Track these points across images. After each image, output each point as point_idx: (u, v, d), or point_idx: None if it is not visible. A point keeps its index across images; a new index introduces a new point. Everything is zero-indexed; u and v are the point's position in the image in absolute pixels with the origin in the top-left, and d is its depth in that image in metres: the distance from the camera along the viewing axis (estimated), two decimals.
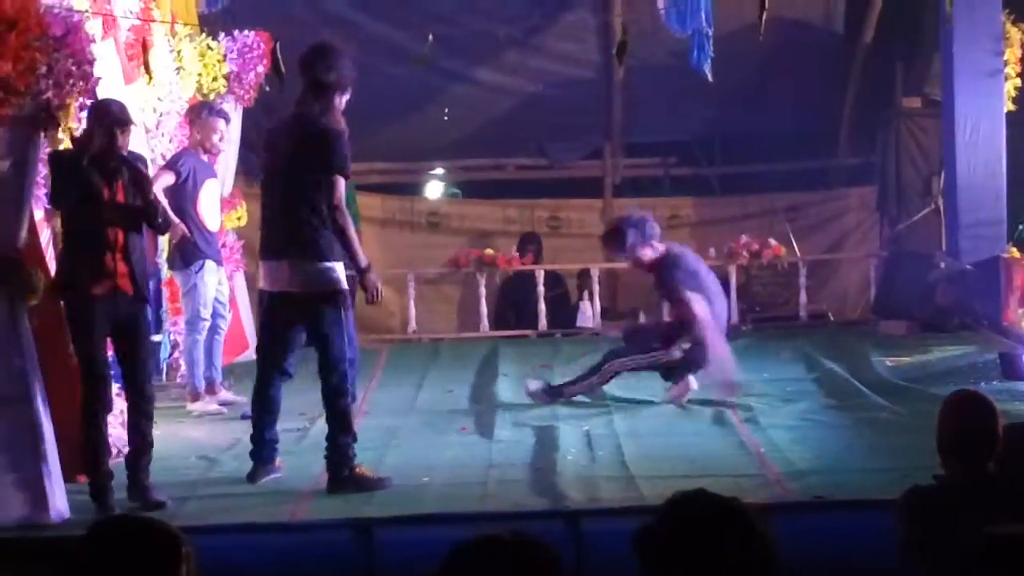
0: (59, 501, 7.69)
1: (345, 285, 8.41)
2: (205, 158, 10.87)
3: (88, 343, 7.87)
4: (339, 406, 8.35)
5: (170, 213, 10.54)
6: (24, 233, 7.72)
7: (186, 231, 10.57)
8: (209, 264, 10.76)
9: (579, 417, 10.10)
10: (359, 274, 8.43)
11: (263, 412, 8.56)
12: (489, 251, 15.38)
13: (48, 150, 8.04)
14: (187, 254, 10.69)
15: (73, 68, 7.56)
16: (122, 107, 8.06)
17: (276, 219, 8.45)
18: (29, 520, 7.52)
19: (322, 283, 8.30)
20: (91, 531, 3.31)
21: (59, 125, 8.01)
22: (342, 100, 8.57)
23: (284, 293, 8.41)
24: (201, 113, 10.90)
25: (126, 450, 8.23)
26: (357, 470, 8.27)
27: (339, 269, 8.36)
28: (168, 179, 10.56)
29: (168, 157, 11.00)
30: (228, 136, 11.56)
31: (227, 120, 11.16)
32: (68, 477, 7.96)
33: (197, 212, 10.67)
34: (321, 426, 10.07)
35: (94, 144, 7.79)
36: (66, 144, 8.15)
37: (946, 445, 5.59)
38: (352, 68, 8.56)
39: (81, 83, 7.66)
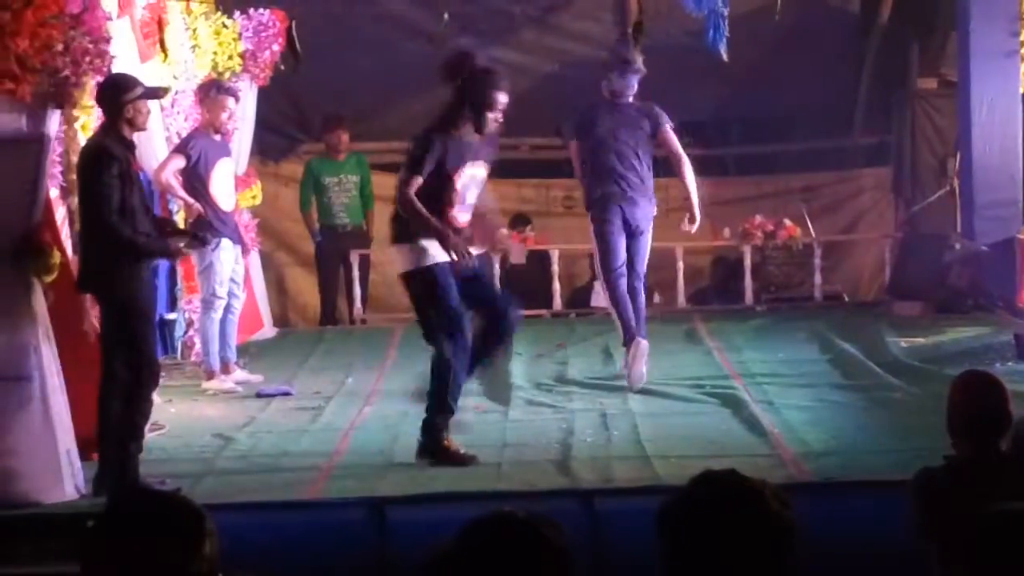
0: (75, 478, 7.72)
1: (436, 261, 8.37)
2: (217, 138, 10.87)
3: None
4: (432, 383, 8.42)
5: (182, 193, 10.58)
6: (40, 210, 7.74)
7: (201, 210, 10.58)
8: (225, 243, 10.77)
9: (594, 397, 10.10)
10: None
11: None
12: (504, 230, 15.33)
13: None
14: (203, 233, 10.69)
15: (89, 46, 7.57)
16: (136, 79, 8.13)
17: None
18: (45, 497, 7.55)
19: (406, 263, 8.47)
20: (112, 504, 3.31)
21: (75, 103, 8.04)
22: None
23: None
24: (210, 91, 10.91)
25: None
26: (445, 443, 8.32)
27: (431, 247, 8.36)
28: (178, 163, 10.58)
29: (183, 136, 11.01)
30: (238, 114, 11.56)
31: (236, 98, 11.15)
32: (84, 455, 7.99)
33: (210, 193, 10.68)
34: (334, 407, 10.12)
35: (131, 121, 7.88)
36: (85, 123, 8.19)
37: (957, 426, 5.60)
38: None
39: (97, 61, 7.68)
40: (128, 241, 7.76)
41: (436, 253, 8.34)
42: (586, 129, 10.74)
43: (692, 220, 10.86)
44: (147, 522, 3.13)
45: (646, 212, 10.69)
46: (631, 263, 10.63)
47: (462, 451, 8.33)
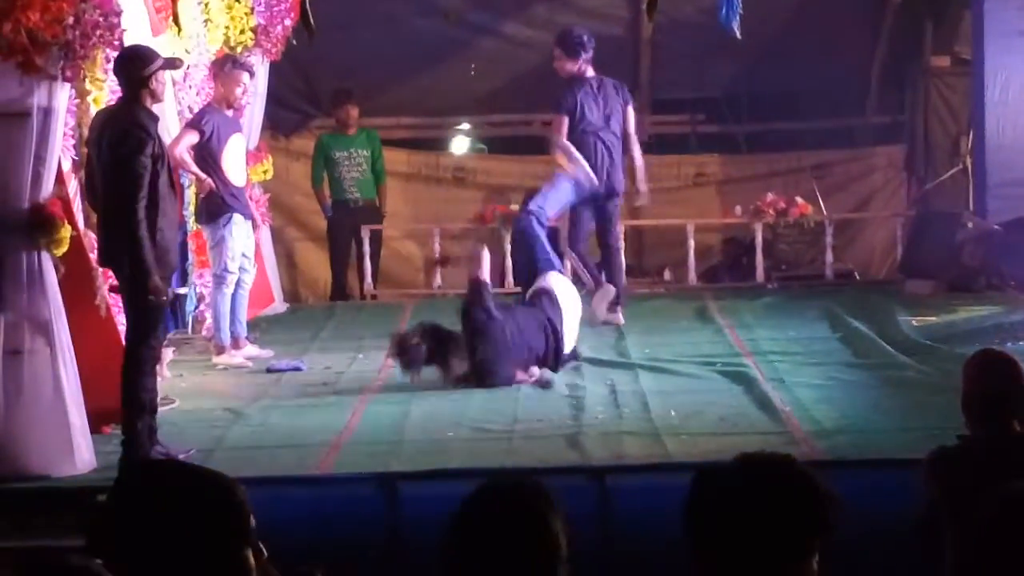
0: (85, 451, 7.74)
1: None
2: (230, 113, 10.86)
3: None
4: None
5: (195, 169, 10.57)
6: (52, 184, 7.74)
7: (212, 185, 10.58)
8: (237, 218, 10.76)
9: (605, 374, 10.09)
10: None
11: None
12: (515, 206, 15.35)
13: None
14: (214, 208, 10.70)
15: (100, 19, 7.56)
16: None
17: None
18: (56, 471, 7.56)
19: None
20: (135, 474, 3.29)
21: (86, 76, 8.02)
22: None
23: None
24: (224, 66, 10.89)
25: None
26: None
27: None
28: (192, 138, 10.56)
29: (195, 111, 10.99)
30: (252, 89, 11.54)
31: (251, 73, 11.14)
32: (95, 428, 8.00)
33: (222, 168, 10.67)
34: (345, 382, 10.12)
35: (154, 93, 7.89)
36: (97, 96, 8.17)
37: (970, 405, 5.58)
38: None
39: (107, 34, 7.66)
40: (137, 239, 7.72)
41: None
42: (575, 105, 11.86)
43: (638, 193, 12.31)
44: (156, 491, 3.11)
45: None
46: (611, 224, 12.01)
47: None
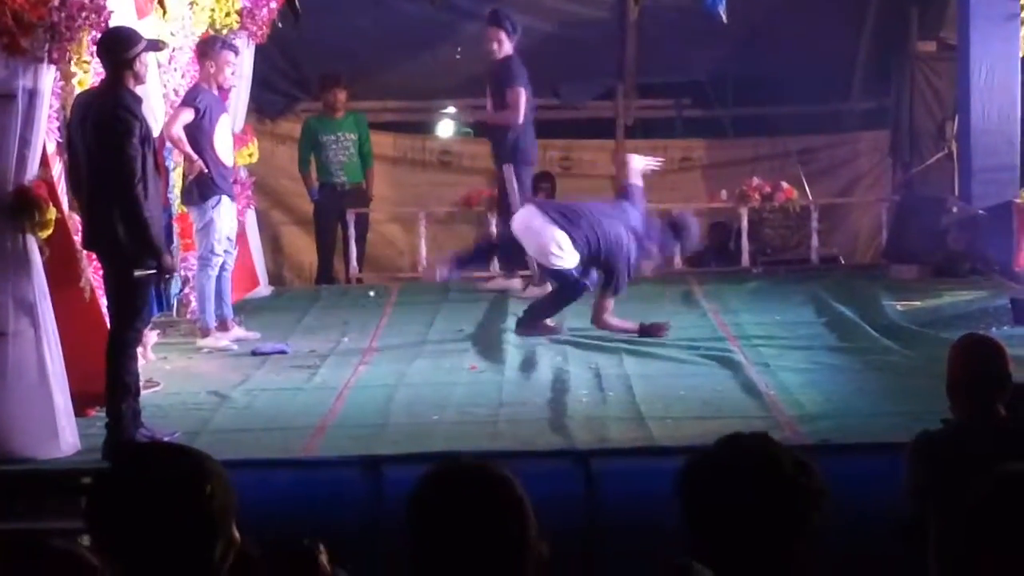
0: (69, 434, 7.73)
1: None
2: (217, 93, 10.85)
3: None
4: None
5: (189, 149, 10.54)
6: (36, 166, 7.72)
7: (203, 167, 10.54)
8: (225, 199, 10.74)
9: (590, 357, 10.10)
10: None
11: None
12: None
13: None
14: (204, 189, 10.66)
15: (86, 1, 7.55)
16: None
17: None
18: (40, 453, 7.56)
19: None
20: (107, 459, 3.31)
21: (71, 58, 8.00)
22: None
23: None
24: (214, 46, 10.87)
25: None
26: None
27: None
28: (188, 116, 10.52)
29: (181, 93, 10.96)
30: (238, 72, 11.53)
31: (237, 53, 11.14)
32: (79, 411, 7.99)
33: (214, 148, 10.64)
34: (330, 365, 10.12)
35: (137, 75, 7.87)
36: (82, 79, 8.15)
37: (955, 388, 5.60)
38: None
39: (93, 16, 7.65)
40: (143, 222, 7.72)
41: None
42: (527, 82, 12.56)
43: None
44: (144, 472, 3.12)
45: None
46: None
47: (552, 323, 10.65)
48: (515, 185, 12.41)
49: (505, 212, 12.39)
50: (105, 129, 7.74)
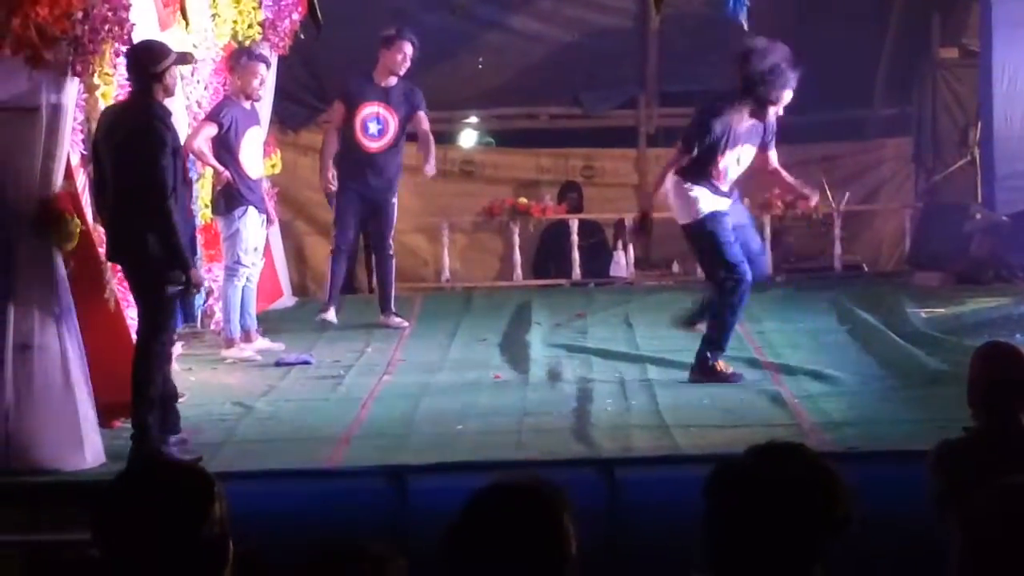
0: (95, 445, 7.75)
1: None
2: (247, 105, 10.87)
3: None
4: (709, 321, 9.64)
5: (213, 161, 10.58)
6: (61, 178, 7.74)
7: (230, 178, 10.58)
8: (252, 211, 10.77)
9: (613, 366, 10.10)
10: None
11: None
12: (523, 200, 15.39)
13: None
14: (231, 200, 10.70)
15: (109, 13, 7.56)
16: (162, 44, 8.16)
17: None
18: (65, 464, 7.57)
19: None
20: (121, 473, 3.34)
21: (95, 70, 8.02)
22: None
23: None
24: (241, 59, 10.91)
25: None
26: (713, 365, 9.40)
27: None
28: (211, 130, 10.57)
29: (204, 105, 11.00)
30: (266, 82, 11.56)
31: (267, 64, 11.20)
32: (104, 422, 8.01)
33: (239, 161, 10.67)
34: (354, 376, 10.13)
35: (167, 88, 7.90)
36: (106, 91, 8.18)
37: (977, 397, 5.58)
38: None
39: (117, 28, 7.67)
40: (175, 235, 7.75)
41: (707, 204, 9.50)
42: None
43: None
44: (154, 489, 3.17)
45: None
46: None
47: (729, 370, 9.41)
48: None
49: None
50: (138, 142, 7.76)
